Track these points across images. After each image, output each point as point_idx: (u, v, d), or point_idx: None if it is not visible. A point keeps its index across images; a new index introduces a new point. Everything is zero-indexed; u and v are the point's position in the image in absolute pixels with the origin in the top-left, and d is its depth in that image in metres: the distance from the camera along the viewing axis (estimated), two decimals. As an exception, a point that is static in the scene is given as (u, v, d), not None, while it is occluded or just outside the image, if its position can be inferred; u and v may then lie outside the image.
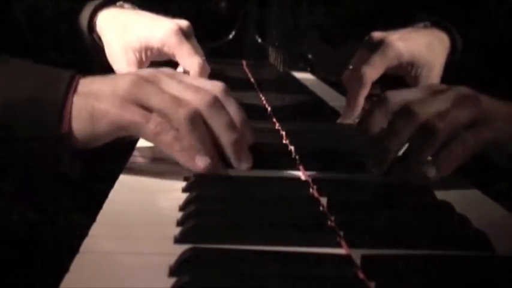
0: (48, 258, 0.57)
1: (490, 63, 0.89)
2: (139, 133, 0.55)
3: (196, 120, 0.54)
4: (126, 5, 0.90)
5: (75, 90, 0.54)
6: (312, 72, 1.53)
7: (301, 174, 0.59)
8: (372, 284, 0.37)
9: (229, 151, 0.57)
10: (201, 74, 0.81)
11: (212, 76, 0.76)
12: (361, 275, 0.38)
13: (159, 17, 0.86)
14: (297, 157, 0.64)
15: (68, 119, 0.53)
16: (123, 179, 0.56)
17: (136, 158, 0.63)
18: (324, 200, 0.51)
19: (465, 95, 0.57)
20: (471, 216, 0.48)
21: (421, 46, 0.84)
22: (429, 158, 0.56)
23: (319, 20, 1.54)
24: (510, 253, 0.43)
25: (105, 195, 0.51)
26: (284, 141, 0.71)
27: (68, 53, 0.88)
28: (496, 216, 0.52)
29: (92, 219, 0.45)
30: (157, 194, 0.53)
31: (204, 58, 0.83)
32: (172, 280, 0.36)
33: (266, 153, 0.63)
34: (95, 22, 0.86)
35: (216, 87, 0.58)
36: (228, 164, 0.58)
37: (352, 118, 0.84)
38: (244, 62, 1.56)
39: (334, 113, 0.92)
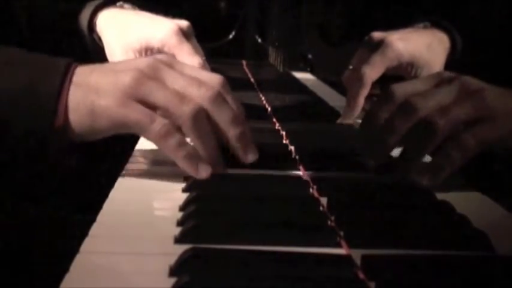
0: (48, 258, 0.57)
1: (490, 63, 0.89)
2: (143, 133, 0.53)
3: (200, 117, 0.53)
4: (126, 5, 0.90)
5: (70, 80, 0.52)
6: (312, 72, 1.53)
7: (301, 174, 0.59)
8: (372, 284, 0.37)
9: (236, 145, 0.56)
10: (201, 74, 0.81)
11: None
12: (361, 275, 0.38)
13: (159, 17, 0.86)
14: (297, 157, 0.64)
15: (64, 110, 0.52)
16: (123, 179, 0.56)
17: (137, 158, 0.63)
18: (324, 200, 0.51)
19: (470, 88, 0.56)
20: (471, 216, 0.48)
21: (421, 46, 0.84)
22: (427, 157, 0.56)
23: (319, 20, 1.54)
24: (510, 253, 0.43)
25: (105, 195, 0.51)
26: (284, 141, 0.71)
27: (67, 53, 0.88)
28: (496, 216, 0.52)
29: (92, 219, 0.45)
30: (158, 194, 0.53)
31: (204, 58, 0.83)
32: (172, 280, 0.36)
33: (266, 153, 0.63)
34: (95, 22, 0.86)
35: (216, 80, 0.56)
36: (228, 162, 0.57)
37: (352, 118, 0.84)
38: (244, 62, 1.56)
39: (334, 113, 0.92)
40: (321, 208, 0.49)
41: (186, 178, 0.55)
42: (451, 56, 0.87)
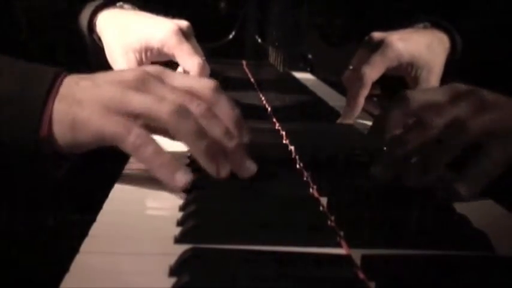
0: (48, 258, 0.57)
1: (489, 63, 0.89)
2: (120, 145, 0.51)
3: (183, 114, 0.51)
4: (126, 6, 0.90)
5: (57, 92, 0.52)
6: (312, 72, 1.53)
7: (301, 174, 0.59)
8: (372, 284, 0.37)
9: (232, 159, 0.54)
10: (201, 74, 0.81)
11: (212, 76, 0.76)
12: (361, 275, 0.38)
13: (159, 18, 0.86)
14: (297, 157, 0.64)
15: (48, 122, 0.51)
16: (123, 179, 0.56)
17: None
18: (324, 200, 0.51)
19: (487, 102, 0.55)
20: (471, 216, 0.48)
21: (421, 46, 0.84)
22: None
23: (319, 20, 1.54)
24: (510, 253, 0.43)
25: (105, 195, 0.51)
26: (284, 141, 0.71)
27: (67, 53, 0.89)
28: (496, 216, 0.52)
29: (92, 219, 0.45)
30: (158, 194, 0.53)
31: (204, 58, 0.83)
32: (172, 280, 0.36)
33: (266, 153, 0.63)
34: (95, 23, 0.86)
35: (207, 86, 0.55)
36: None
37: (352, 118, 0.84)
38: (244, 62, 1.56)
39: (334, 113, 0.92)
40: (321, 208, 0.49)
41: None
42: (451, 56, 0.87)
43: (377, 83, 0.84)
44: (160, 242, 0.42)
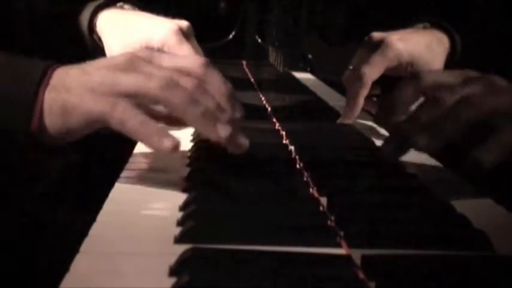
0: (48, 258, 0.57)
1: (489, 63, 0.88)
2: (109, 123, 0.51)
3: (171, 85, 0.51)
4: (126, 6, 0.90)
5: (47, 85, 0.52)
6: (312, 72, 1.53)
7: (301, 174, 0.59)
8: (372, 284, 0.37)
9: (199, 128, 0.53)
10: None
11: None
12: (361, 275, 0.38)
13: (159, 18, 0.86)
14: (297, 157, 0.64)
15: (39, 115, 0.51)
16: (123, 179, 0.56)
17: (137, 158, 0.63)
18: (324, 200, 0.51)
19: (498, 85, 0.56)
20: (471, 216, 0.48)
21: (421, 46, 0.84)
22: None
23: (319, 20, 1.54)
24: (510, 253, 0.43)
25: (105, 195, 0.51)
26: (284, 141, 0.71)
27: (67, 53, 0.88)
28: (496, 216, 0.52)
29: (92, 219, 0.45)
30: (158, 194, 0.53)
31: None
32: (172, 280, 0.36)
33: (266, 153, 0.63)
34: (95, 23, 0.86)
35: (197, 63, 0.55)
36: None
37: (352, 118, 0.84)
38: (244, 62, 1.56)
39: (334, 113, 0.92)
40: (321, 208, 0.49)
41: (186, 178, 0.55)
42: (451, 57, 0.87)
43: (377, 83, 0.84)
44: (160, 242, 0.42)
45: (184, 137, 0.63)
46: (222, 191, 0.53)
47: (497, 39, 0.90)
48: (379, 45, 0.83)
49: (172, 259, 0.38)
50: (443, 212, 0.50)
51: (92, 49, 0.87)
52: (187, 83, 0.53)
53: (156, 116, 0.56)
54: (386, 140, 0.60)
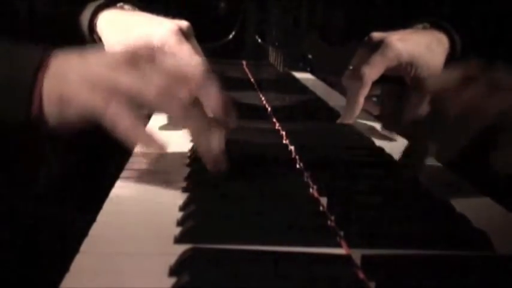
0: (48, 258, 0.57)
1: (489, 63, 0.88)
2: (101, 120, 0.51)
3: (169, 95, 0.52)
4: (126, 6, 0.90)
5: (46, 70, 0.52)
6: (312, 72, 1.53)
7: (301, 174, 0.59)
8: (372, 284, 0.37)
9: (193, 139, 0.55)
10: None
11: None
12: (361, 275, 0.38)
13: (159, 18, 0.86)
14: (297, 157, 0.64)
15: (38, 102, 0.52)
16: (123, 179, 0.56)
17: (137, 158, 0.63)
18: (324, 200, 0.51)
19: (502, 83, 0.56)
20: (471, 216, 0.48)
21: (421, 47, 0.84)
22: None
23: (319, 20, 1.54)
24: (510, 253, 0.43)
25: (105, 195, 0.51)
26: (284, 141, 0.71)
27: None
28: (496, 216, 0.52)
29: (92, 219, 0.45)
30: (158, 194, 0.53)
31: (203, 58, 0.83)
32: (172, 280, 0.36)
33: (266, 153, 0.63)
34: (95, 23, 0.86)
35: (194, 68, 0.56)
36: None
37: (352, 118, 0.85)
38: (244, 62, 1.56)
39: (334, 113, 0.92)
40: (321, 208, 0.49)
41: (186, 178, 0.55)
42: (450, 57, 0.87)
43: (377, 83, 0.84)
44: (160, 242, 0.42)
45: (184, 137, 0.63)
46: (222, 191, 0.53)
47: (497, 39, 0.90)
48: (379, 45, 0.83)
49: (172, 259, 0.38)
50: (443, 212, 0.50)
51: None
52: (183, 94, 0.53)
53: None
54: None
